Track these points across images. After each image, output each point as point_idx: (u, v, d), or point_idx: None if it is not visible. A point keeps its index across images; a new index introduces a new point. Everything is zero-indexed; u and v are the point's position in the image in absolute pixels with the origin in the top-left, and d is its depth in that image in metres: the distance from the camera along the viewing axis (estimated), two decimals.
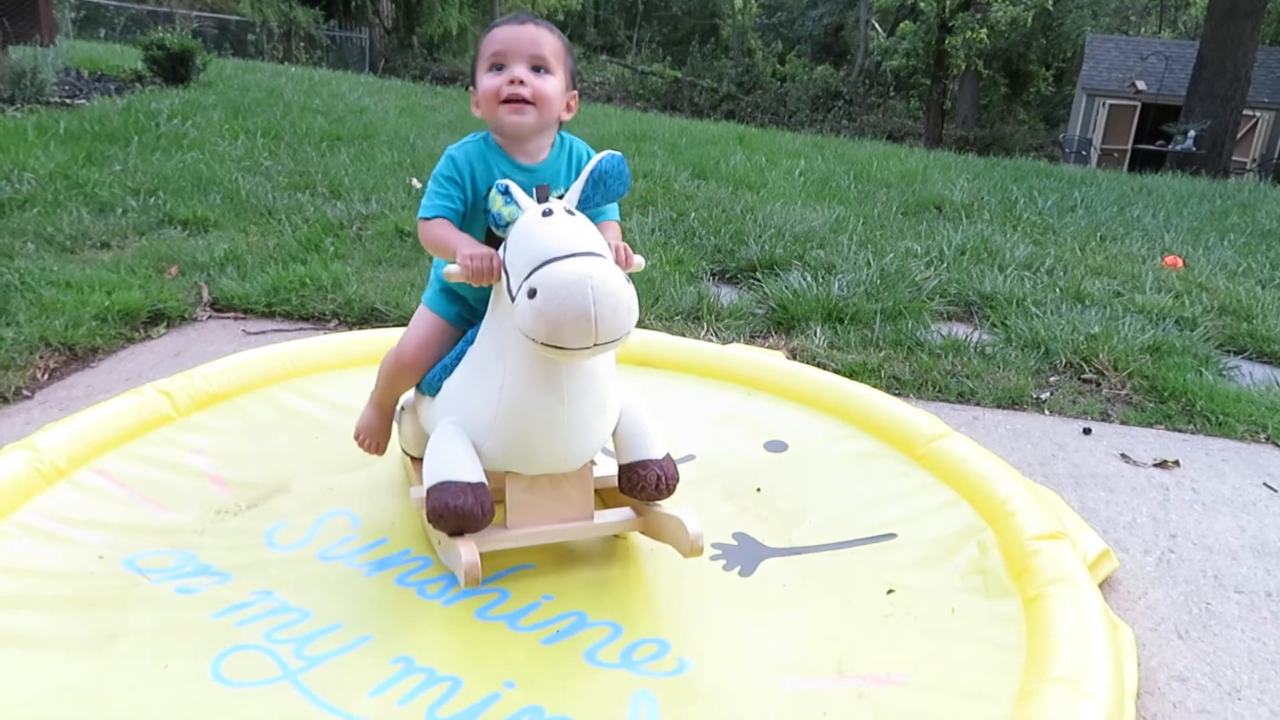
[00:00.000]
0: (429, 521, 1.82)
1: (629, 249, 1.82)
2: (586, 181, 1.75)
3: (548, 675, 1.68)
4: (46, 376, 2.92)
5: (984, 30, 23.68)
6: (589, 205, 1.76)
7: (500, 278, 1.72)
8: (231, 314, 3.55)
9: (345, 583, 1.91)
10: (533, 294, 1.57)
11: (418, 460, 2.17)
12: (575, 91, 1.96)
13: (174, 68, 8.20)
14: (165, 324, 3.39)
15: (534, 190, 1.79)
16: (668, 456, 1.95)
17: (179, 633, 1.72)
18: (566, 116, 1.94)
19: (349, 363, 2.81)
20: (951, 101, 27.10)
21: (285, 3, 22.06)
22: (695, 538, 1.84)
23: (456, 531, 1.80)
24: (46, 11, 7.80)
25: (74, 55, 8.69)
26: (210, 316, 3.52)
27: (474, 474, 1.78)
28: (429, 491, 1.78)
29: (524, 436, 1.79)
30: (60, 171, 5.02)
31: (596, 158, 1.77)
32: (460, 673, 1.66)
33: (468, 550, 1.77)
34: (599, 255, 1.63)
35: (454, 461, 1.79)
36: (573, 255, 1.59)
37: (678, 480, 1.94)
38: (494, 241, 1.79)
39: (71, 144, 5.63)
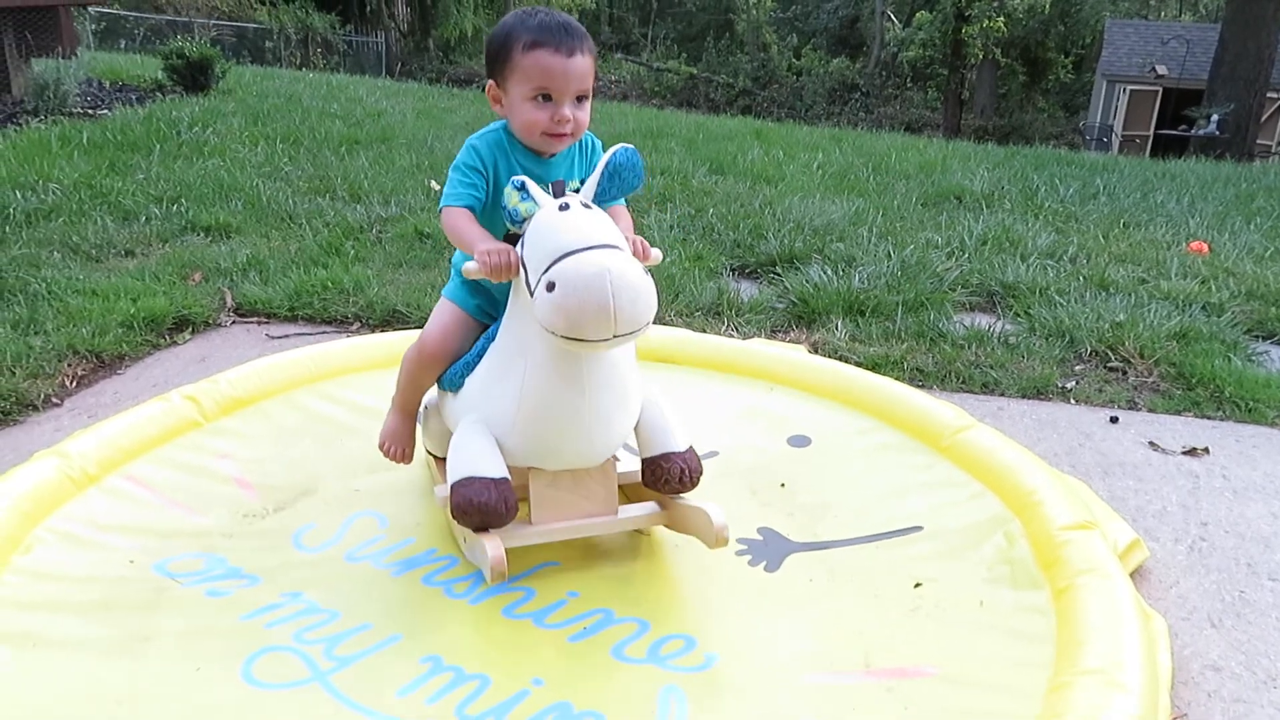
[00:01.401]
0: (453, 517, 1.83)
1: (645, 242, 1.83)
2: (602, 175, 1.76)
3: (575, 672, 1.68)
4: (75, 384, 2.96)
5: (1001, 18, 23.49)
6: (604, 199, 1.77)
7: (519, 273, 1.72)
8: (255, 319, 3.57)
9: (373, 583, 1.92)
10: (551, 287, 1.58)
11: (441, 460, 2.18)
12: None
13: (194, 76, 8.25)
14: (190, 330, 3.42)
15: (549, 186, 1.81)
16: (691, 449, 1.95)
17: (210, 635, 1.74)
18: None
19: (372, 365, 2.82)
20: (969, 91, 26.91)
21: (302, 9, 22.22)
22: (720, 529, 1.85)
23: (481, 527, 1.81)
24: (68, 24, 7.87)
25: (95, 66, 8.78)
26: (234, 322, 3.55)
27: (497, 469, 1.79)
28: (453, 487, 1.79)
29: (546, 431, 1.80)
30: (84, 181, 5.08)
31: (610, 151, 1.77)
32: (488, 671, 1.67)
33: (493, 546, 1.78)
34: (616, 247, 1.63)
35: (477, 457, 1.80)
36: (590, 248, 1.60)
37: (701, 472, 1.95)
38: (512, 238, 1.79)
39: (95, 154, 5.69)
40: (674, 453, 1.92)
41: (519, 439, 1.82)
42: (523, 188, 1.72)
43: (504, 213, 1.75)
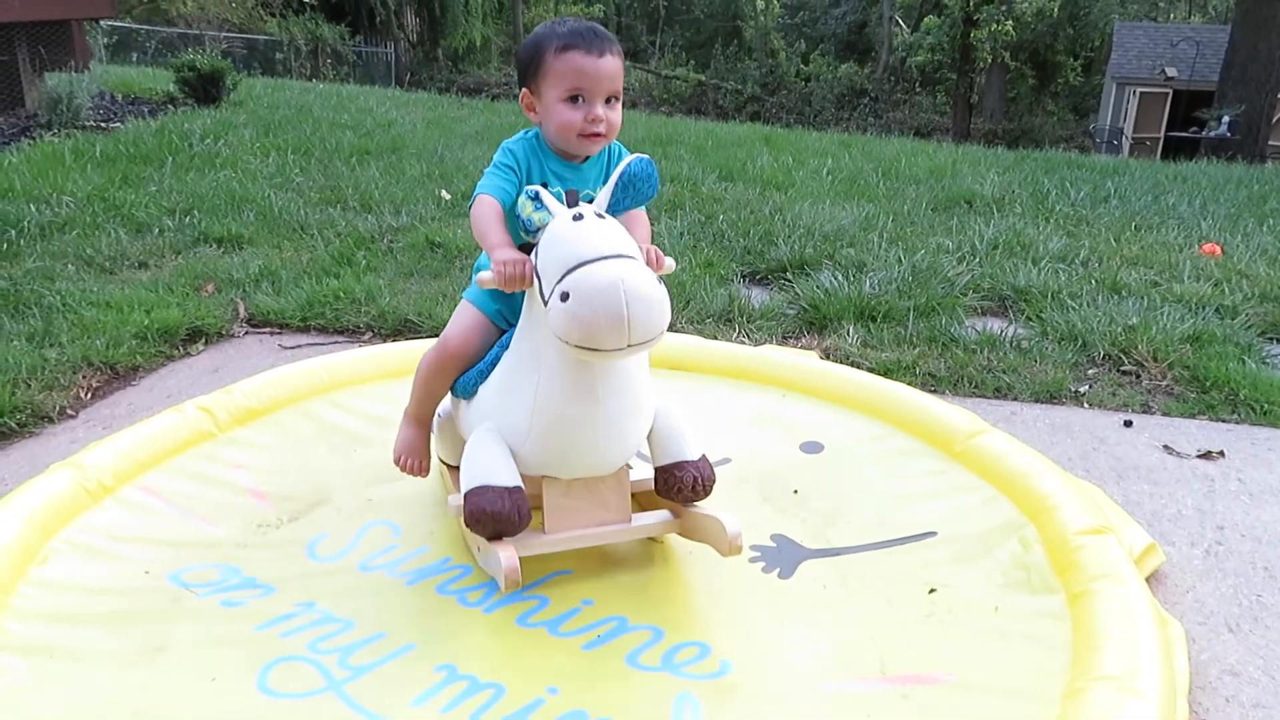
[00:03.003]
0: (466, 525, 1.84)
1: (659, 251, 1.84)
2: (616, 186, 1.76)
3: (590, 680, 1.68)
4: (90, 395, 2.98)
5: (1009, 22, 23.45)
6: (618, 209, 1.78)
7: (533, 283, 1.73)
8: (268, 329, 3.59)
9: (387, 592, 1.92)
10: (565, 297, 1.58)
11: (455, 469, 2.18)
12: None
13: (205, 88, 8.31)
14: (203, 341, 3.44)
15: (564, 195, 1.81)
16: (703, 458, 1.95)
17: (225, 645, 1.75)
18: None
19: (385, 375, 2.83)
20: (978, 95, 26.87)
21: (311, 20, 22.34)
22: (734, 536, 1.84)
23: (494, 536, 1.82)
24: (80, 38, 7.94)
25: (108, 79, 8.84)
26: (247, 332, 3.57)
27: (510, 478, 1.79)
28: (466, 496, 1.79)
29: (560, 440, 1.80)
30: (98, 194, 5.11)
31: (625, 161, 1.77)
32: (503, 679, 1.67)
33: (507, 555, 1.78)
34: (630, 257, 1.64)
35: (490, 466, 1.80)
36: (604, 258, 1.60)
37: (714, 481, 1.94)
38: (527, 248, 1.80)
39: (108, 166, 5.73)
40: (687, 461, 1.92)
41: (533, 448, 1.82)
42: (536, 197, 1.73)
43: (518, 222, 1.76)
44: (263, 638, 1.77)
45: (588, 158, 1.97)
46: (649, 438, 1.94)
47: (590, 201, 1.80)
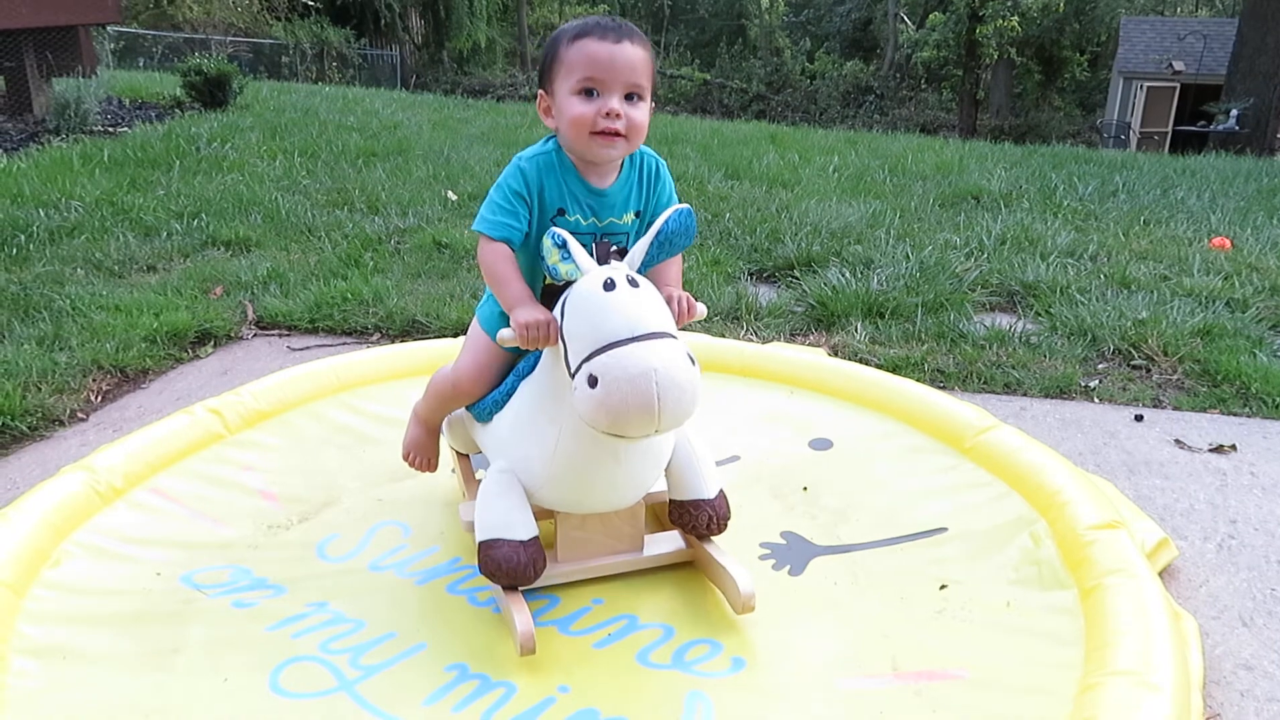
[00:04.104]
0: (480, 572, 1.79)
1: (690, 298, 1.74)
2: (652, 243, 1.65)
3: (601, 678, 1.68)
4: (100, 399, 2.99)
5: (1015, 17, 23.35)
6: (653, 264, 1.68)
7: (557, 343, 1.64)
8: (276, 331, 3.60)
9: (397, 592, 1.93)
10: (594, 382, 1.49)
11: (465, 457, 2.18)
12: (652, 104, 1.79)
13: (212, 92, 8.33)
14: (212, 343, 3.45)
15: (593, 247, 1.72)
16: (720, 494, 1.92)
17: (237, 646, 1.75)
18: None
19: (393, 375, 2.84)
20: (985, 91, 26.76)
21: (317, 24, 22.40)
22: (747, 598, 1.80)
23: (509, 587, 1.79)
24: (87, 43, 7.97)
25: (115, 84, 8.88)
26: (255, 334, 3.57)
27: (526, 530, 1.76)
28: (481, 545, 1.77)
29: (578, 489, 1.77)
30: (106, 198, 5.13)
31: (665, 215, 1.65)
32: (514, 678, 1.67)
33: (522, 621, 1.72)
34: (663, 335, 1.53)
35: (506, 517, 1.76)
36: (636, 339, 1.50)
37: (729, 518, 1.92)
38: (551, 289, 1.73)
39: (116, 171, 5.75)
40: (703, 500, 1.89)
41: (550, 493, 1.79)
42: (564, 245, 1.61)
43: (542, 264, 1.66)
44: (274, 638, 1.77)
45: (614, 182, 1.79)
46: (667, 470, 1.91)
47: (620, 249, 1.73)
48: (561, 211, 1.77)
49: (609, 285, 1.57)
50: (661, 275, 1.78)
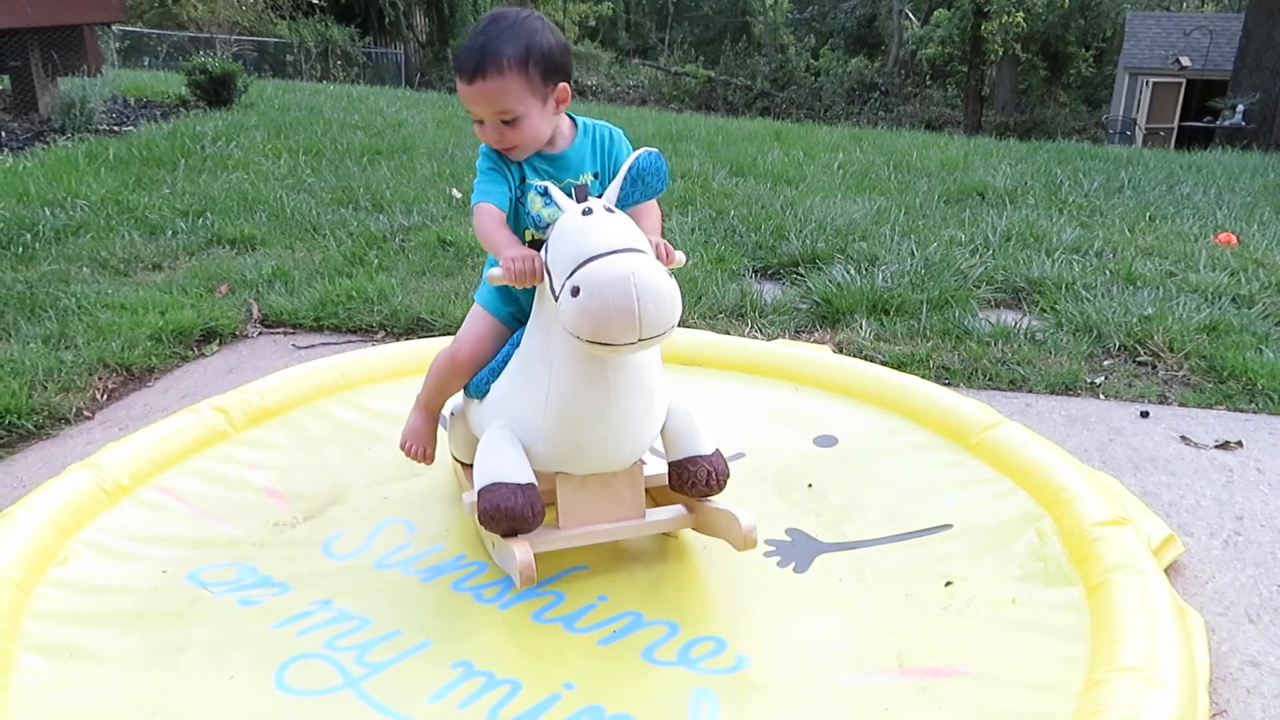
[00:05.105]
0: (480, 523, 1.84)
1: (669, 245, 1.83)
2: (624, 179, 1.76)
3: (607, 675, 1.68)
4: (106, 397, 2.99)
5: (1020, 13, 23.30)
6: (627, 203, 1.78)
7: (543, 279, 1.73)
8: (281, 329, 3.60)
9: (403, 589, 1.93)
10: (576, 292, 1.58)
11: (468, 466, 2.19)
12: (564, 85, 1.88)
13: (216, 91, 8.34)
14: (218, 342, 3.46)
15: (572, 190, 1.81)
16: (717, 452, 1.95)
17: (242, 644, 1.76)
18: (561, 109, 1.91)
19: (398, 373, 2.84)
20: (990, 87, 26.74)
21: (321, 22, 22.40)
22: (748, 531, 1.84)
23: (508, 532, 1.82)
24: (92, 43, 7.98)
25: (120, 84, 8.89)
26: (261, 333, 3.58)
27: (523, 475, 1.80)
28: (479, 493, 1.79)
29: (574, 435, 1.80)
30: (111, 197, 5.14)
31: (633, 156, 1.77)
32: (519, 675, 1.67)
33: (522, 551, 1.78)
34: (640, 251, 1.64)
35: (503, 463, 1.80)
36: (614, 252, 1.60)
37: (728, 475, 1.94)
38: (536, 244, 1.80)
39: (121, 170, 5.76)
40: (700, 456, 1.92)
41: (546, 444, 1.82)
42: (546, 193, 1.73)
43: (527, 218, 1.76)
44: (280, 636, 1.78)
45: (568, 147, 1.93)
46: (662, 433, 1.94)
47: (599, 195, 1.80)
48: (523, 179, 1.90)
49: (587, 212, 1.69)
50: (639, 223, 1.82)
